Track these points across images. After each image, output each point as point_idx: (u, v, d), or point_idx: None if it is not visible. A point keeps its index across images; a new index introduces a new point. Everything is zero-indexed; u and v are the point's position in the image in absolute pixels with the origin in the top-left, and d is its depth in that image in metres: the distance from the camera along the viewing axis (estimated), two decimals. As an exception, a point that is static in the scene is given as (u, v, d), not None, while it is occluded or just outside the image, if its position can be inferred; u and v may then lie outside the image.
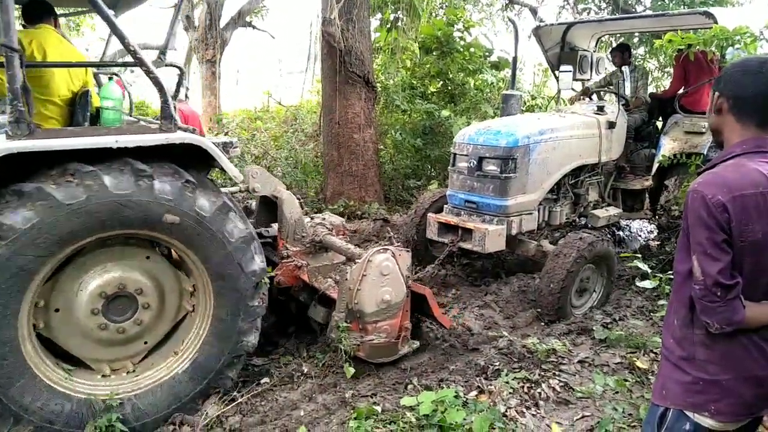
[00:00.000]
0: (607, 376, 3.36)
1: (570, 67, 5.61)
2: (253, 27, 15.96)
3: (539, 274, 4.60)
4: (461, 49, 8.64)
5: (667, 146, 5.70)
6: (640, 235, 7.22)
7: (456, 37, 8.71)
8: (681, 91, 5.84)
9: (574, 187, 5.43)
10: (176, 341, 3.15)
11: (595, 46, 6.79)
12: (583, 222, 5.71)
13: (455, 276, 5.50)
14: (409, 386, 3.36)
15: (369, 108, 7.65)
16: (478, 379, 3.39)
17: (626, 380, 3.35)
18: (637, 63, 7.09)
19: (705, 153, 5.56)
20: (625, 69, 5.61)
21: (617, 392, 3.22)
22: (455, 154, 5.01)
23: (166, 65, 3.58)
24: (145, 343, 3.07)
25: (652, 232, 7.13)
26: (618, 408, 2.99)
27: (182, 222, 2.80)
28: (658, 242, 6.34)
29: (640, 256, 4.46)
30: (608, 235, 6.20)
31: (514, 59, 6.06)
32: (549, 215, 5.22)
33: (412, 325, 3.68)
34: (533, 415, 3.05)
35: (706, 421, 1.68)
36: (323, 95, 7.91)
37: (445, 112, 8.00)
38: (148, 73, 2.85)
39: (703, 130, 5.70)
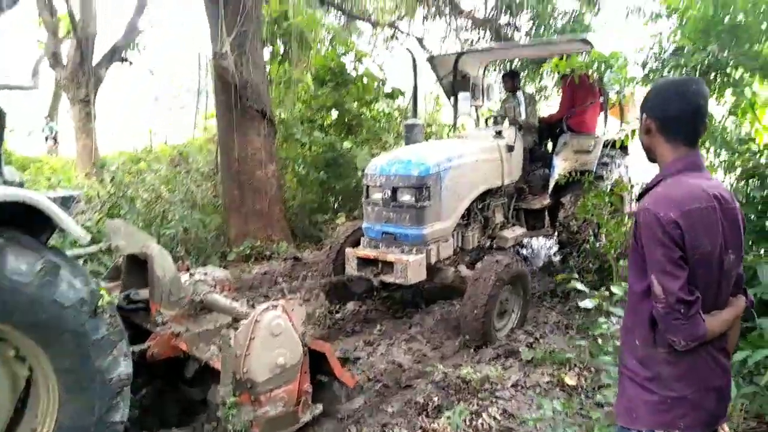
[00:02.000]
0: (554, 400, 3.34)
1: (468, 94, 5.81)
2: (130, 63, 15.02)
3: (460, 301, 4.59)
4: (355, 81, 8.70)
5: (560, 165, 6.04)
6: (541, 252, 7.56)
7: (348, 69, 8.77)
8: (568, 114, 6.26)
9: (482, 210, 5.54)
10: (30, 417, 2.58)
11: (483, 73, 7.12)
12: (488, 243, 5.82)
13: (377, 311, 5.36)
14: (350, 437, 3.15)
15: (270, 143, 7.38)
16: (420, 418, 3.26)
17: (563, 401, 3.35)
18: (523, 88, 7.53)
19: (594, 170, 5.98)
20: (519, 94, 5.92)
21: (560, 414, 3.21)
22: (368, 186, 4.92)
23: None
24: None
25: (551, 247, 7.48)
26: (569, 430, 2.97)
27: None
28: (560, 257, 6.65)
29: (576, 276, 4.56)
30: (517, 255, 6.41)
31: (414, 88, 6.13)
32: (462, 240, 5.28)
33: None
34: (481, 449, 2.96)
35: (677, 437, 1.68)
36: (219, 132, 7.53)
37: (347, 143, 7.95)
38: None
39: (590, 148, 6.13)
